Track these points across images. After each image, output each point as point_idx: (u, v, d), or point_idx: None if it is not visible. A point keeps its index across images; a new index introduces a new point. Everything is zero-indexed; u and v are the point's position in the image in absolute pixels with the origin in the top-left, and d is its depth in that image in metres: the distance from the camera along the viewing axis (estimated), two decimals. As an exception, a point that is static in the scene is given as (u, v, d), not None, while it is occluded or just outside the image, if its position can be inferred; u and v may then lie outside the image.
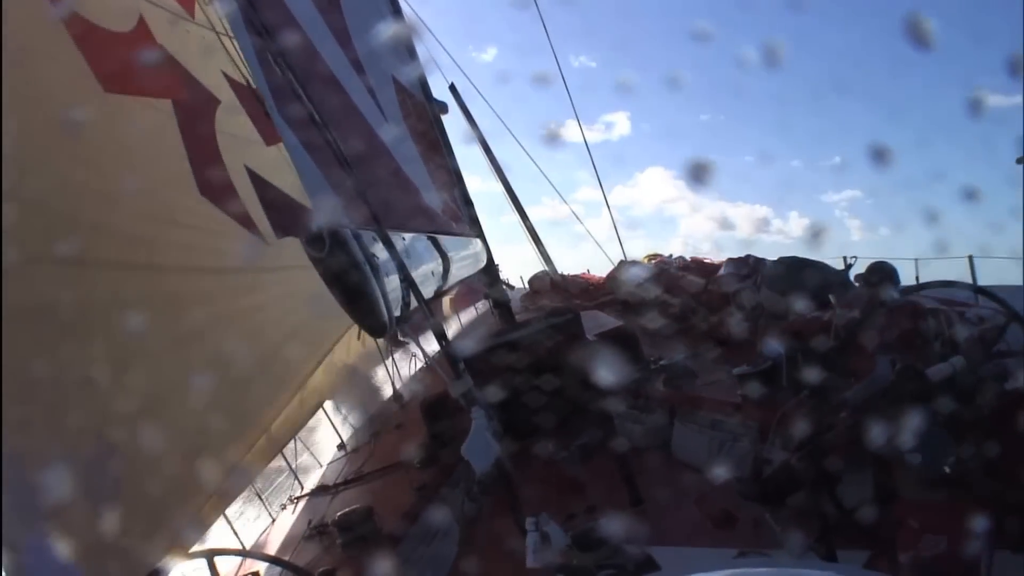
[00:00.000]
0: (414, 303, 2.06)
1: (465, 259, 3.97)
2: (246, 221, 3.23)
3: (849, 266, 5.94)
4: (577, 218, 8.33)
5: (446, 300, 8.74)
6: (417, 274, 2.33)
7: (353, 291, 1.74)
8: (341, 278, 1.70)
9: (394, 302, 1.92)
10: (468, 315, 10.43)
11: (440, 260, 3.09)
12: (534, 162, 7.76)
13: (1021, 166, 2.68)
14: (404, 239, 2.32)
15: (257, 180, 3.41)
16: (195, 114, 3.17)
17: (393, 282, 1.96)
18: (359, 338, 5.98)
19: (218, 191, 3.19)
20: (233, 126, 3.12)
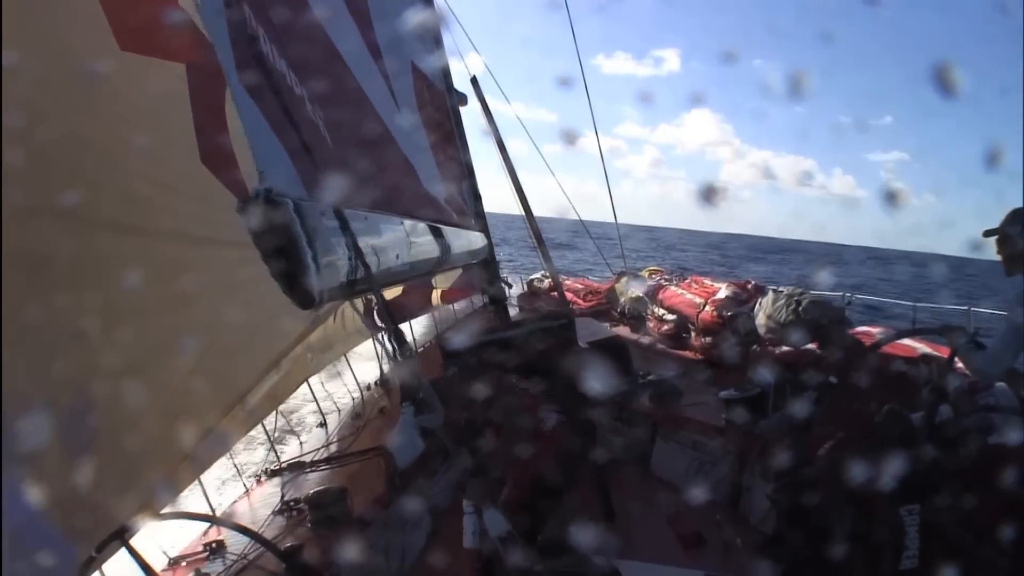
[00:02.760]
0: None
1: (460, 245, 3.92)
2: (244, 194, 3.20)
3: (848, 303, 5.97)
4: (584, 226, 8.27)
5: (438, 292, 8.71)
6: (378, 245, 2.25)
7: (280, 256, 1.67)
8: (268, 242, 1.65)
9: (334, 276, 1.85)
10: (462, 309, 10.42)
11: (424, 240, 3.02)
12: (551, 171, 7.69)
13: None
14: (366, 217, 2.25)
15: None
16: (207, 81, 3.14)
17: (341, 254, 1.89)
18: (335, 320, 5.97)
19: (220, 162, 3.15)
20: (244, 98, 3.09)
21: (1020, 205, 2.63)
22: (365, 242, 2.00)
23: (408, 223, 2.77)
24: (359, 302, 6.15)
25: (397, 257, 2.46)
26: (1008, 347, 2.49)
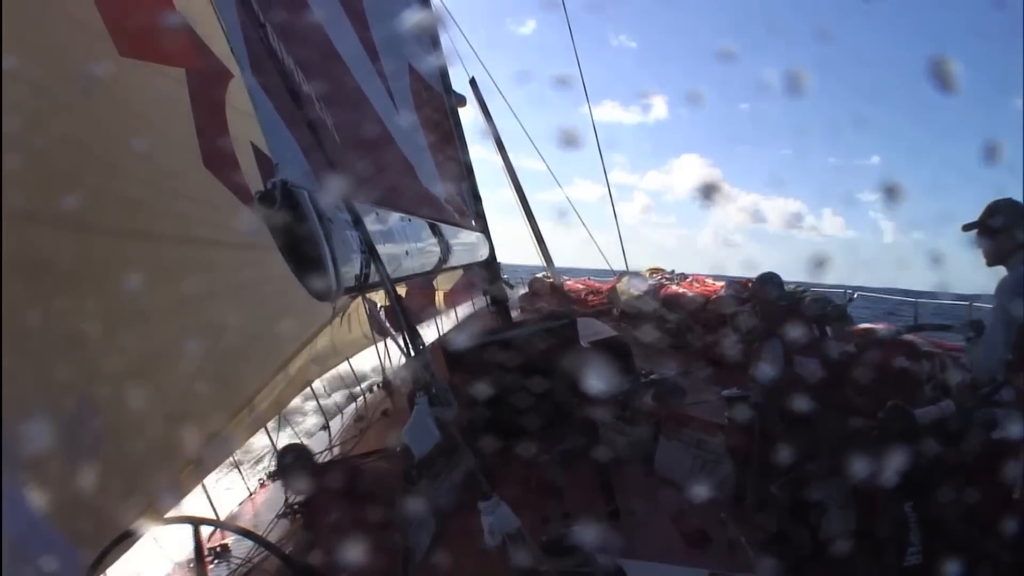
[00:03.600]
0: (375, 277, 2.00)
1: (463, 245, 3.93)
2: (247, 197, 3.21)
3: (850, 300, 5.97)
4: (585, 226, 8.31)
5: (440, 293, 8.73)
6: (388, 248, 2.28)
7: (299, 247, 1.68)
8: (287, 234, 1.66)
9: (349, 268, 1.86)
10: (464, 310, 10.44)
11: (429, 240, 3.04)
12: (550, 170, 7.73)
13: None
14: (376, 212, 2.27)
15: (261, 157, 3.38)
16: (207, 85, 3.14)
17: (354, 247, 1.91)
18: (341, 323, 5.98)
19: (222, 165, 3.16)
20: (243, 101, 3.10)
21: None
22: (375, 238, 2.01)
23: (414, 222, 2.78)
24: (363, 306, 6.17)
25: (407, 253, 2.47)
26: (999, 337, 2.49)
